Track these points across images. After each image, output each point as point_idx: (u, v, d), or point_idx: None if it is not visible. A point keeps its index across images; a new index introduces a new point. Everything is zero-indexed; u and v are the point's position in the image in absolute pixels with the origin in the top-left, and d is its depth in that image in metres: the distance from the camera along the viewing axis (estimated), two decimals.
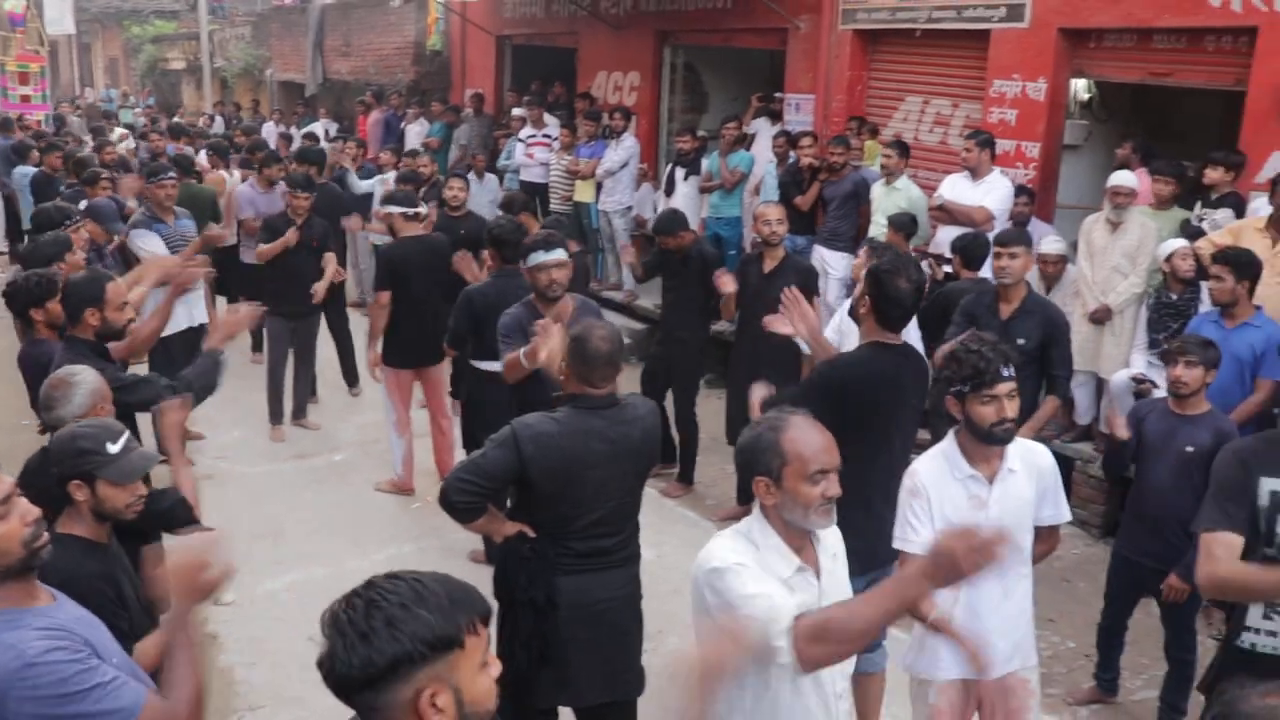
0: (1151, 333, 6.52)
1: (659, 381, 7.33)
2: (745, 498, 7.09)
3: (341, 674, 1.71)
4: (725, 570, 2.63)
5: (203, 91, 24.34)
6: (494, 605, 3.62)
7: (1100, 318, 6.80)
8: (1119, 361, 6.75)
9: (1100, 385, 6.99)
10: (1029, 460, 3.50)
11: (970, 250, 6.63)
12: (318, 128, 15.78)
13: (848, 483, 3.94)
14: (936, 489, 3.42)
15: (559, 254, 4.99)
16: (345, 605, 1.75)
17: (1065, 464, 7.14)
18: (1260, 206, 6.56)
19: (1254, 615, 3.15)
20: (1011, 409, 3.31)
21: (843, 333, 5.54)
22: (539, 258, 4.96)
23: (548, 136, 11.90)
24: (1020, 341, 5.37)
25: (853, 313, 4.58)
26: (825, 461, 2.68)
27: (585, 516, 3.61)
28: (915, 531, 3.43)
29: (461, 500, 3.55)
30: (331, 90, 19.50)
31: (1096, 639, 5.16)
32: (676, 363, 7.26)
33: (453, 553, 6.18)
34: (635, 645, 3.90)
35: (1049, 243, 7.14)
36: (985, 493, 3.41)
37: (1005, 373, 3.31)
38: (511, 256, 5.72)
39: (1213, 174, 6.96)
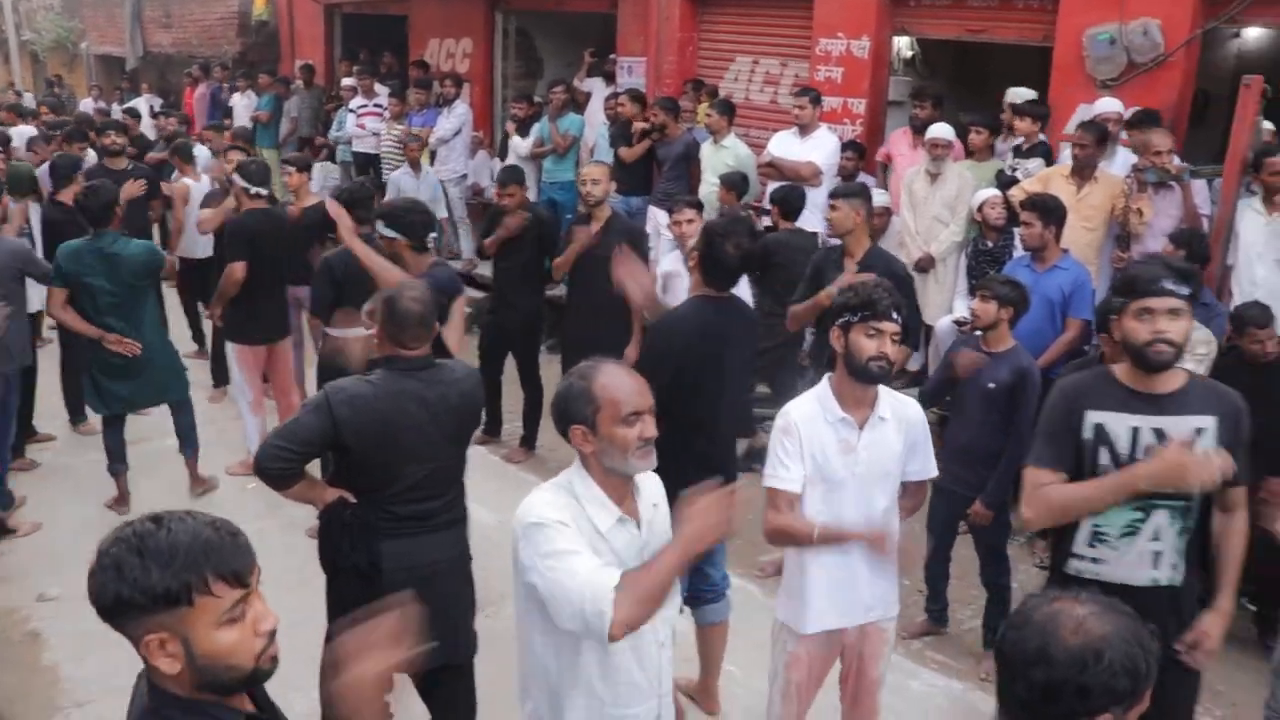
0: (971, 279, 6.75)
1: (497, 348, 7.27)
2: (532, 444, 7.22)
3: (91, 599, 1.75)
4: (545, 526, 2.61)
5: (10, 66, 23.00)
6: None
7: (924, 266, 7.01)
8: (943, 308, 6.98)
9: (927, 331, 7.21)
10: (900, 412, 3.53)
11: (788, 202, 6.75)
12: (140, 103, 15.10)
13: (683, 436, 4.02)
14: (808, 430, 3.44)
15: None
16: (110, 538, 1.77)
17: None
18: (1068, 155, 6.83)
19: (1079, 543, 3.27)
20: (892, 351, 3.34)
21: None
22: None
23: (379, 106, 11.65)
24: None
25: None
26: (638, 403, 2.68)
27: (405, 479, 3.55)
28: (786, 469, 3.45)
29: (274, 467, 3.46)
30: (154, 64, 18.69)
31: (924, 572, 5.33)
32: (513, 329, 7.21)
33: (293, 528, 6.02)
34: (467, 608, 3.87)
35: (874, 195, 7.29)
36: (855, 437, 3.43)
37: (895, 315, 3.35)
38: (364, 218, 5.69)
39: (1022, 125, 7.23)
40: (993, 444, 4.93)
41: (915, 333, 5.86)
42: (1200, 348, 5.25)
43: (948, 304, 6.98)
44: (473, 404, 3.78)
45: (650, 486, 2.88)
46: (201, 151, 9.68)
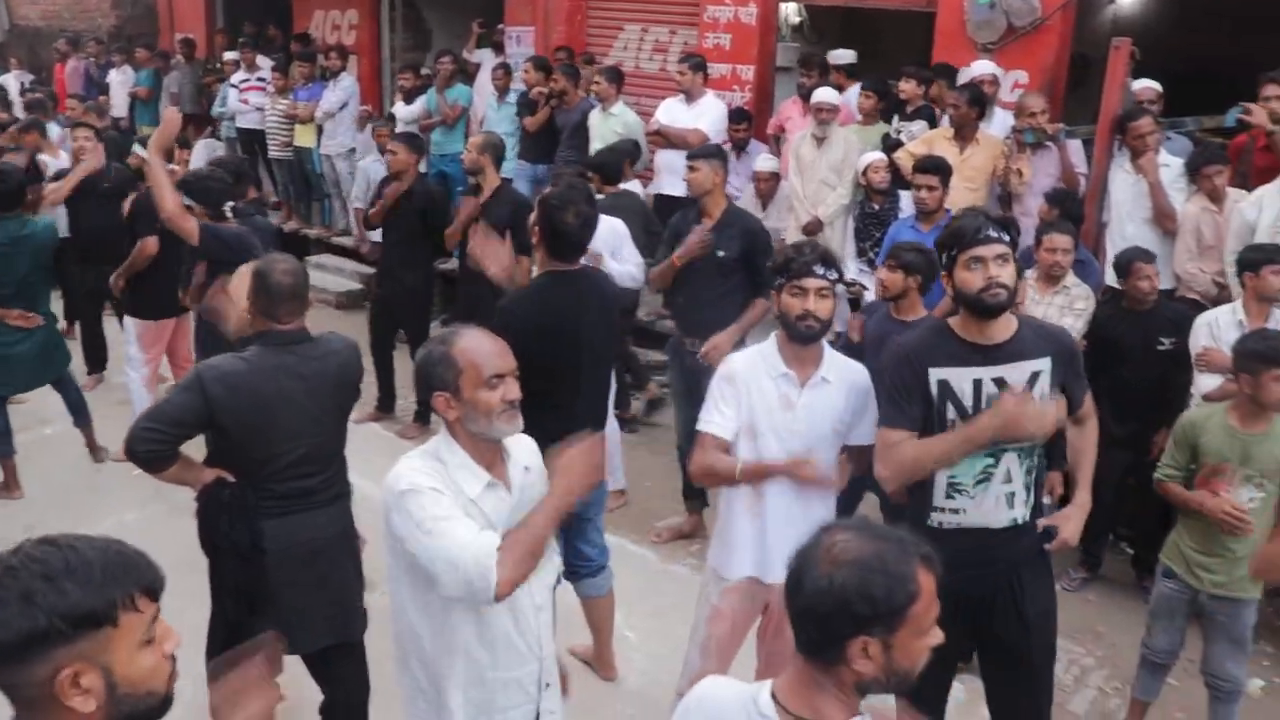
0: (859, 241, 6.85)
1: (386, 323, 7.18)
2: (422, 417, 7.15)
3: None
4: (419, 493, 2.59)
5: None
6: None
7: (812, 229, 7.08)
8: None
9: None
10: (846, 376, 3.57)
11: (606, 168, 6.80)
12: (9, 80, 14.47)
13: (547, 414, 3.97)
14: (749, 382, 3.48)
15: None
16: None
17: None
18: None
19: (938, 496, 3.34)
20: (819, 307, 3.38)
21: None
22: None
23: (261, 80, 11.34)
24: (720, 254, 5.54)
25: None
26: (500, 365, 2.69)
27: (284, 456, 3.48)
28: (721, 414, 3.49)
29: (145, 450, 3.36)
30: (23, 38, 17.91)
31: None
32: (403, 303, 7.12)
33: (179, 512, 5.85)
34: (355, 584, 3.82)
35: (762, 161, 7.37)
36: (795, 394, 3.48)
37: (818, 270, 3.39)
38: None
39: (906, 88, 7.33)
40: None
41: (766, 286, 5.91)
42: (1079, 303, 5.41)
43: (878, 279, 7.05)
44: (351, 377, 3.71)
45: (520, 450, 2.87)
46: (53, 128, 9.32)
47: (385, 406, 7.49)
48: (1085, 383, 3.48)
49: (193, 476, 3.57)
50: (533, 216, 4.27)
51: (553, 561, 2.88)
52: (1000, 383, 3.22)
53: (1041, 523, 3.33)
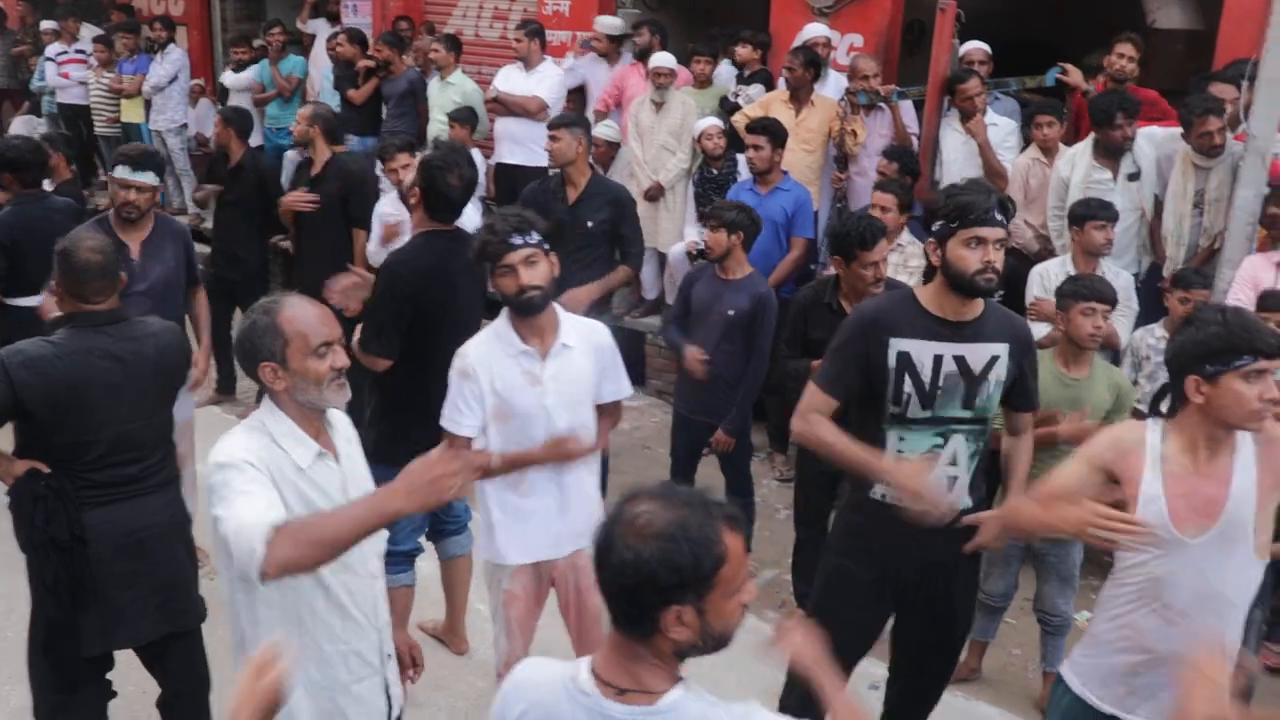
0: (700, 205, 6.87)
1: (222, 302, 6.91)
2: (227, 385, 7.04)
3: None
4: (227, 467, 2.51)
5: None
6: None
7: (653, 195, 7.10)
8: (675, 235, 7.11)
9: (662, 260, 7.32)
10: (587, 337, 3.51)
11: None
12: None
13: (416, 378, 3.93)
14: (488, 368, 3.38)
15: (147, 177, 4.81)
16: None
17: (638, 339, 7.48)
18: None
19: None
20: (531, 276, 3.30)
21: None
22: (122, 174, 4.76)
23: (81, 53, 10.79)
24: (589, 223, 5.50)
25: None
26: (327, 334, 2.63)
27: (100, 443, 3.32)
28: (463, 415, 3.40)
29: None
30: None
31: None
32: (236, 281, 6.89)
33: None
34: (188, 573, 3.68)
35: (601, 128, 7.33)
36: (539, 368, 3.40)
37: (517, 240, 3.30)
38: (33, 180, 5.40)
39: (743, 52, 7.40)
40: (733, 371, 5.01)
41: (638, 255, 5.90)
42: (913, 260, 5.53)
43: (679, 231, 7.10)
44: (174, 359, 3.56)
45: (341, 422, 2.82)
46: None
47: (226, 388, 7.26)
48: (1036, 387, 3.46)
49: (3, 469, 3.39)
50: (411, 178, 4.27)
51: (382, 533, 2.81)
52: (960, 360, 3.20)
53: (968, 519, 3.26)
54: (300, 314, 2.63)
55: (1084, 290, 4.17)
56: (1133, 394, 4.44)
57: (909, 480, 3.08)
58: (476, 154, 7.07)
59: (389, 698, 2.90)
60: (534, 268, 3.31)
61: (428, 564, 4.55)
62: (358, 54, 8.66)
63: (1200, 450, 2.72)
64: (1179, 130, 5.53)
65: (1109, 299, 4.21)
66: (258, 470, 2.53)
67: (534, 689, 1.95)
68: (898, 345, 3.19)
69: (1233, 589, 2.75)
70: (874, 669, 3.99)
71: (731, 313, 4.95)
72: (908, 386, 3.20)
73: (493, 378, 3.39)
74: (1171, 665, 2.64)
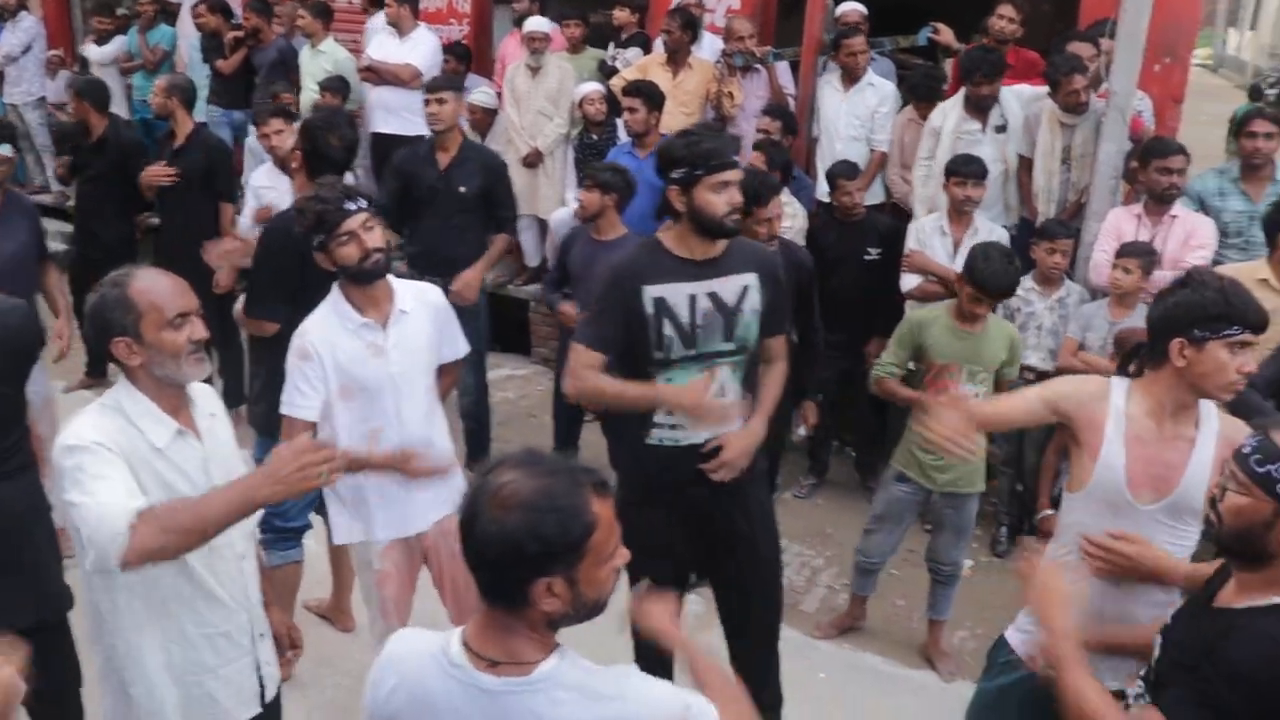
0: (580, 171, 6.82)
1: (85, 281, 6.65)
2: (97, 368, 6.76)
3: None
4: (77, 449, 2.40)
5: None
6: None
7: (531, 161, 7.03)
8: (555, 201, 7.04)
9: (543, 227, 7.25)
10: (423, 300, 3.47)
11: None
12: None
13: (280, 346, 3.83)
14: (329, 345, 3.29)
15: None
16: None
17: (521, 307, 7.43)
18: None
19: (659, 413, 3.35)
20: (371, 239, 3.24)
21: None
22: None
23: None
24: (461, 189, 5.45)
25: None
26: (183, 305, 2.53)
27: None
28: (303, 396, 3.31)
29: None
30: None
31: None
32: (99, 259, 6.59)
33: None
34: (50, 560, 3.53)
35: (479, 94, 7.22)
36: (382, 339, 3.34)
37: (351, 207, 3.24)
38: None
39: (620, 15, 7.35)
40: None
41: (511, 221, 5.87)
42: (788, 220, 5.57)
43: (559, 198, 7.04)
44: (21, 342, 3.36)
45: (204, 397, 2.72)
46: None
47: (96, 372, 6.99)
48: (785, 312, 3.54)
49: None
50: (292, 140, 4.28)
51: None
52: (714, 297, 3.25)
53: (710, 444, 3.34)
54: (153, 285, 2.52)
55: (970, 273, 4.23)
56: (1022, 346, 4.56)
57: (691, 396, 3.19)
58: None
59: (261, 679, 2.82)
60: (372, 232, 3.26)
61: (313, 541, 4.46)
62: (222, 24, 8.38)
63: (1166, 416, 2.68)
64: (1045, 89, 5.66)
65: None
66: (110, 452, 2.42)
67: (404, 662, 1.91)
68: (652, 292, 3.24)
69: (1176, 552, 2.72)
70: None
71: None
72: (668, 330, 3.26)
73: (335, 355, 3.30)
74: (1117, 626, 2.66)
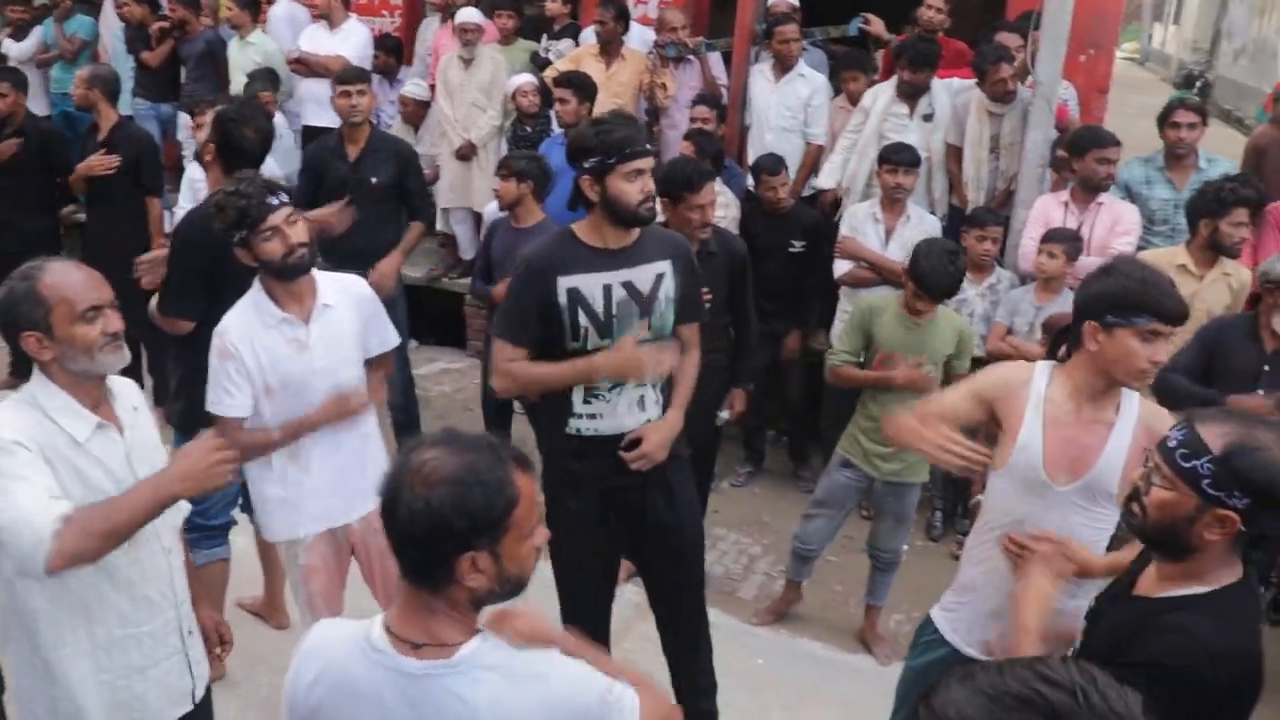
0: None
1: (3, 277, 6.52)
2: (21, 368, 6.60)
3: None
4: None
5: None
6: None
7: (465, 153, 6.98)
8: (489, 194, 6.92)
9: (477, 220, 7.19)
10: (347, 292, 3.42)
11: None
12: None
13: (199, 343, 3.75)
14: (250, 343, 3.24)
15: None
16: None
17: (456, 300, 7.38)
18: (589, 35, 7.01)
19: (576, 403, 3.33)
20: (295, 234, 3.20)
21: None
22: None
23: None
24: (373, 180, 5.43)
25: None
26: (96, 297, 2.48)
27: None
28: (230, 395, 3.26)
29: None
30: None
31: None
32: (19, 255, 6.39)
33: None
34: None
35: (410, 87, 7.16)
36: (304, 334, 3.29)
37: (273, 201, 3.19)
38: None
39: (553, 6, 7.33)
40: None
41: (424, 208, 5.85)
42: (720, 209, 5.58)
43: (493, 190, 6.98)
44: None
45: (125, 390, 2.68)
46: None
47: (20, 372, 6.82)
48: (698, 299, 3.55)
49: None
50: (204, 134, 4.16)
51: (179, 506, 2.67)
52: (629, 286, 3.25)
53: (629, 436, 3.34)
54: (64, 279, 2.47)
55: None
56: (973, 338, 4.56)
57: (621, 355, 3.19)
58: (280, 118, 6.81)
59: (193, 677, 2.77)
60: (295, 226, 3.22)
61: (243, 541, 4.40)
62: (147, 15, 8.21)
63: (1084, 400, 2.71)
64: (973, 81, 5.74)
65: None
66: (28, 450, 2.37)
67: (326, 651, 1.88)
68: (566, 283, 3.22)
69: (1091, 534, 2.77)
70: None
71: None
72: (583, 320, 3.24)
73: (256, 352, 3.25)
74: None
